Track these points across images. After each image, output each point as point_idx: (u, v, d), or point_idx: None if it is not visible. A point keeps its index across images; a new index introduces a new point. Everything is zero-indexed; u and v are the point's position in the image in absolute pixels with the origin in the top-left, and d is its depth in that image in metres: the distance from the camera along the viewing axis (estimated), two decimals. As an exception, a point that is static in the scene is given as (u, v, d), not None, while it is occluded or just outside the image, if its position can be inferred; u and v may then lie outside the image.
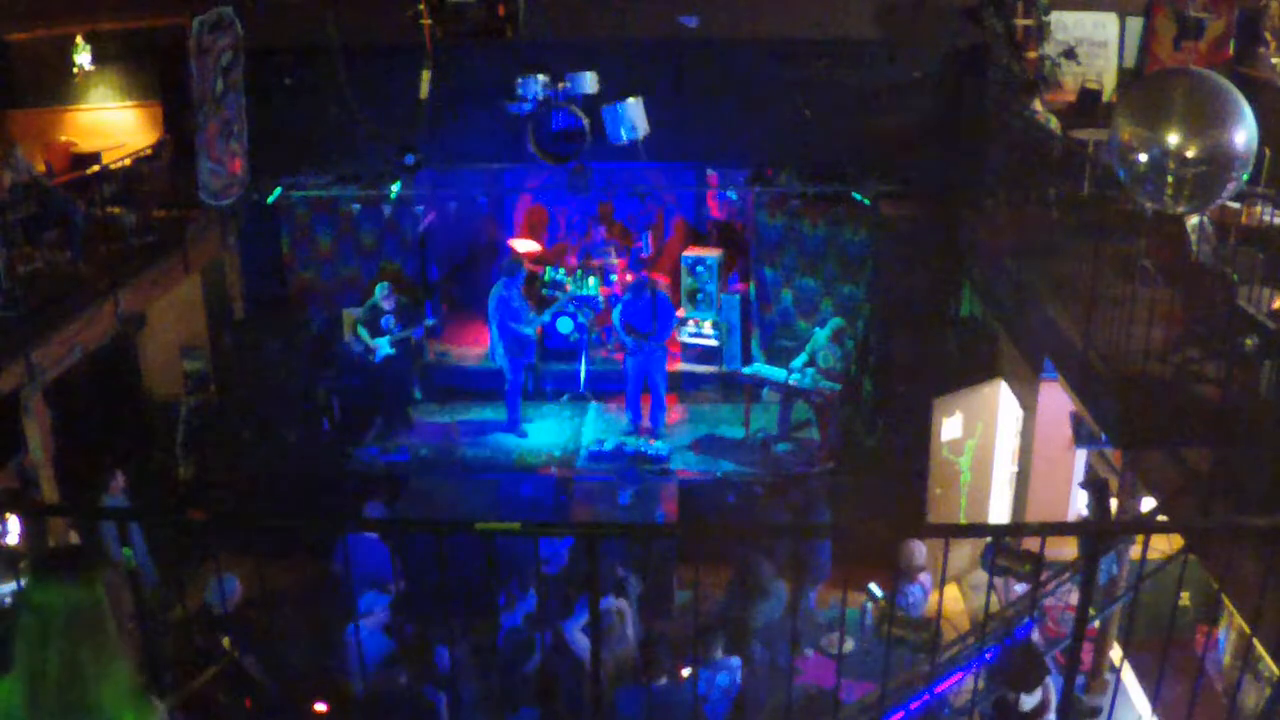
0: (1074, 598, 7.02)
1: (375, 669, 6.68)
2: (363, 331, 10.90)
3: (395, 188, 10.22)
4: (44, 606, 2.39)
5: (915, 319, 9.85)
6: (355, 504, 8.97)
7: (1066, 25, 10.24)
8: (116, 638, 2.41)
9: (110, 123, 11.75)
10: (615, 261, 12.53)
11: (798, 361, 10.70)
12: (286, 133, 9.73)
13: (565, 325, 12.06)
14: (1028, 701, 5.85)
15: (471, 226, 13.97)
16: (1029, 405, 8.36)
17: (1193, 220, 6.05)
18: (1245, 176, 5.09)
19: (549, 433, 11.39)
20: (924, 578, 7.92)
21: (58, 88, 11.63)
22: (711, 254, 12.19)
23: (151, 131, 11.24)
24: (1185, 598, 7.26)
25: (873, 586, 7.79)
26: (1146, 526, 5.76)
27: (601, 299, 12.07)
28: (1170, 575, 6.09)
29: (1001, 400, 9.15)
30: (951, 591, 8.93)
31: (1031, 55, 9.81)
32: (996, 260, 8.47)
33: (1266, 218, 6.43)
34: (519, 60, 9.49)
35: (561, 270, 12.36)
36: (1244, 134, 4.92)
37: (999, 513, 9.37)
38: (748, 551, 7.71)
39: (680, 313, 12.01)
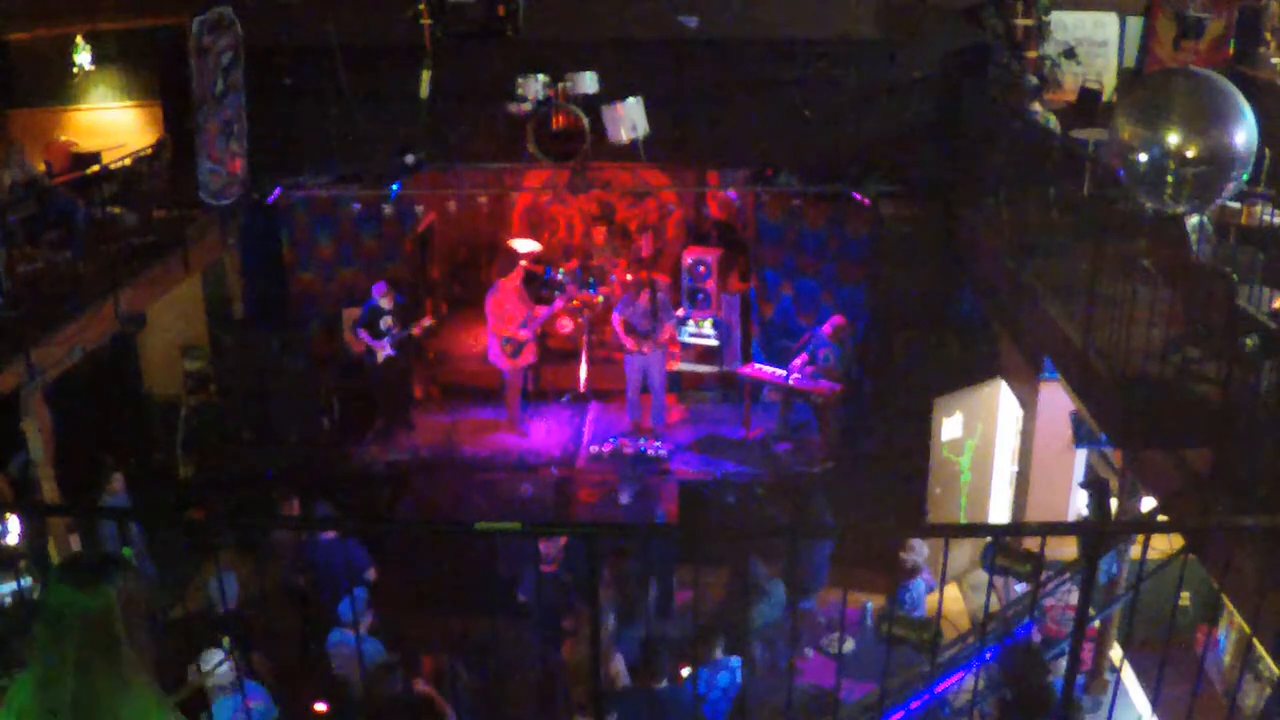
0: (1074, 598, 7.03)
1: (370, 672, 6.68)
2: (362, 332, 10.89)
3: (395, 188, 10.22)
4: (59, 613, 2.36)
5: (915, 319, 9.85)
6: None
7: (1066, 25, 10.24)
8: (133, 651, 2.38)
9: (110, 123, 11.74)
10: (615, 261, 12.53)
11: (798, 361, 10.70)
12: (286, 133, 9.71)
13: (565, 325, 12.06)
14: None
15: (471, 226, 13.97)
16: (1029, 405, 8.36)
17: (1193, 220, 6.04)
18: (1245, 176, 5.10)
19: (549, 433, 11.39)
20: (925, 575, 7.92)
21: (58, 88, 11.62)
22: (711, 254, 12.19)
23: (151, 131, 11.23)
24: (1185, 598, 7.26)
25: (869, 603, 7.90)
26: (1146, 526, 5.76)
27: (601, 299, 12.06)
28: (1170, 575, 6.09)
29: (1001, 400, 9.15)
30: (951, 591, 8.93)
31: (1031, 55, 9.81)
32: (996, 260, 8.47)
33: (1266, 218, 6.43)
34: (519, 60, 9.48)
35: (561, 270, 12.36)
36: (1244, 134, 4.93)
37: (999, 513, 9.37)
38: (746, 552, 7.71)
39: (680, 313, 12.01)
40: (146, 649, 2.42)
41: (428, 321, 11.25)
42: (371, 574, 7.87)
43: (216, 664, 6.06)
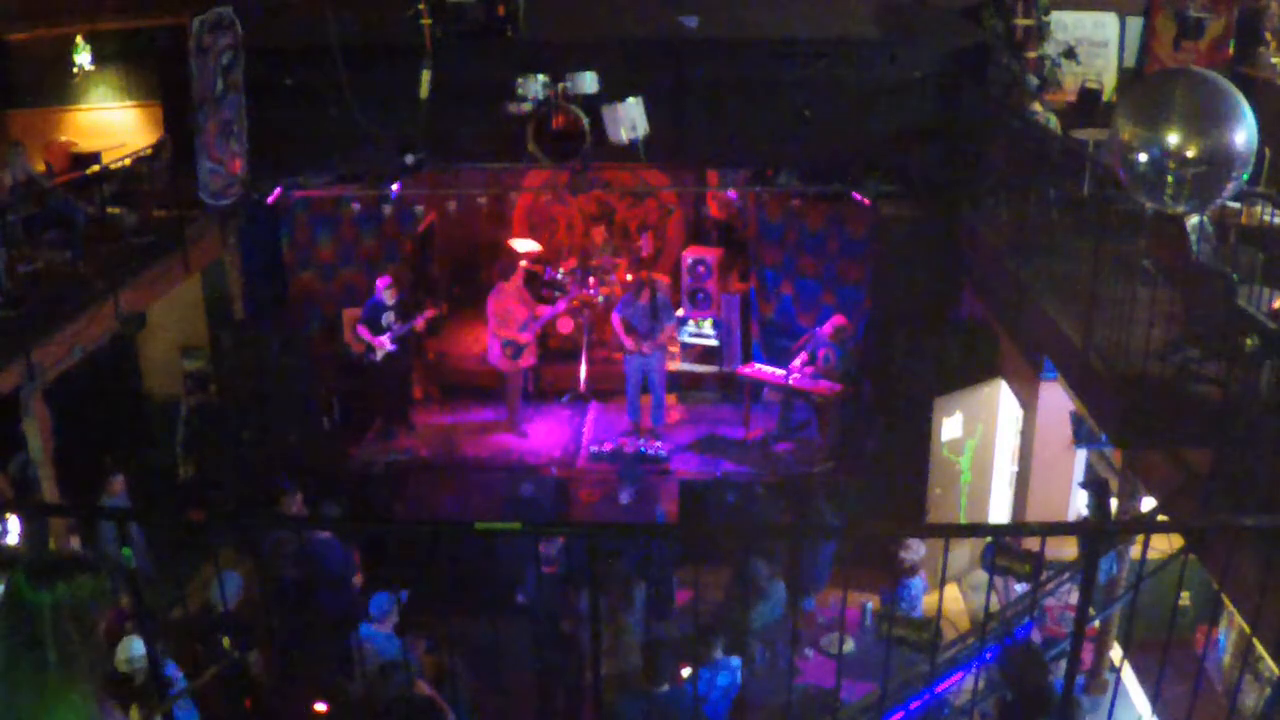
0: (1074, 598, 7.02)
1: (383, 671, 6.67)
2: (361, 328, 10.88)
3: (395, 188, 10.22)
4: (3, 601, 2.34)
5: (915, 319, 9.85)
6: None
7: (1066, 25, 10.24)
8: (59, 659, 2.33)
9: (110, 123, 11.76)
10: (615, 261, 12.53)
11: (797, 361, 10.70)
12: (286, 133, 9.71)
13: (565, 325, 12.06)
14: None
15: (471, 226, 13.98)
16: (1029, 405, 8.36)
17: (1193, 220, 6.04)
18: (1245, 176, 5.09)
19: (549, 433, 11.39)
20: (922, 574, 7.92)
21: (58, 88, 11.64)
22: (711, 254, 12.19)
23: (151, 131, 11.23)
24: (1185, 598, 7.26)
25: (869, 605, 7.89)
26: (1146, 526, 5.75)
27: (601, 299, 12.06)
28: (1170, 575, 6.08)
29: (1001, 400, 9.15)
30: (951, 591, 8.93)
31: (1031, 55, 9.81)
32: (996, 260, 8.47)
33: (1266, 218, 6.43)
34: (519, 60, 9.48)
35: (561, 270, 12.36)
36: (1244, 134, 4.92)
37: (999, 513, 9.37)
38: (746, 552, 7.71)
39: (680, 313, 12.01)
40: (83, 662, 2.34)
41: (431, 313, 11.22)
42: (358, 579, 7.87)
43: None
